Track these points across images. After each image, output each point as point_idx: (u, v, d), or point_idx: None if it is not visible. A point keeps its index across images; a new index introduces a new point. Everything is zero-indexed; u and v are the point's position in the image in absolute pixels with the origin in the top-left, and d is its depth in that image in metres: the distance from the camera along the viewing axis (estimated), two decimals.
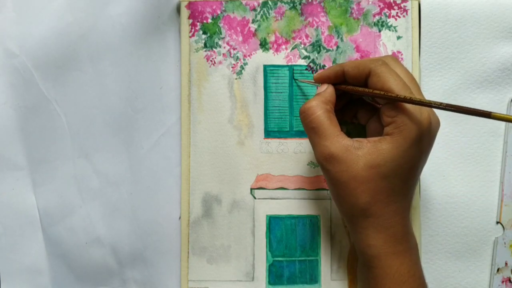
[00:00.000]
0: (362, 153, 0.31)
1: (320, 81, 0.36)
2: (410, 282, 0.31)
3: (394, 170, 0.31)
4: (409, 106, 0.31)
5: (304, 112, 0.33)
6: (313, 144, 0.33)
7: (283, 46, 0.40)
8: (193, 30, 0.40)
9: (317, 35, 0.40)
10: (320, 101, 0.33)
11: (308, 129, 0.33)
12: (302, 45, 0.40)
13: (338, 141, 0.31)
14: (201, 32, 0.40)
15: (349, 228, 0.34)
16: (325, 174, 0.33)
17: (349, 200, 0.31)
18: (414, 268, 0.32)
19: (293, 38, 0.40)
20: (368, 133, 0.37)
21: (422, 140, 0.31)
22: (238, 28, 0.40)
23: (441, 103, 0.29)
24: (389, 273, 0.31)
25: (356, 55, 0.39)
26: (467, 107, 0.28)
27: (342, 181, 0.31)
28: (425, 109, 0.31)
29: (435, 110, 0.32)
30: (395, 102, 0.31)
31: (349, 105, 0.38)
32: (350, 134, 0.39)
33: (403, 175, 0.31)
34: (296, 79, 0.40)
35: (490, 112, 0.27)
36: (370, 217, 0.31)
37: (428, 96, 0.39)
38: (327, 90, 0.34)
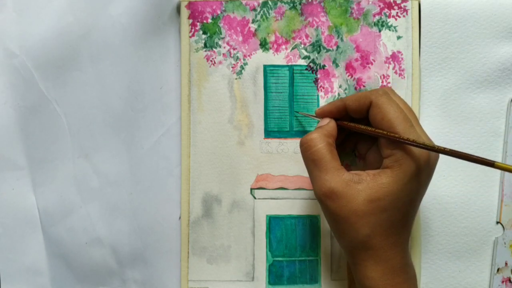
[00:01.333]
0: (362, 187, 0.31)
1: (321, 116, 0.36)
2: None
3: (394, 203, 0.31)
4: (413, 137, 0.30)
5: (306, 143, 0.33)
6: (313, 177, 0.32)
7: (283, 46, 0.40)
8: (193, 30, 0.40)
9: (317, 35, 0.40)
10: (322, 133, 0.33)
11: (308, 162, 0.33)
12: (302, 45, 0.40)
13: (338, 176, 0.31)
14: (201, 32, 0.40)
15: (348, 260, 0.34)
16: (324, 210, 0.32)
17: (349, 234, 0.31)
18: None
19: (293, 38, 0.40)
20: (367, 163, 0.37)
21: (421, 173, 0.31)
22: (238, 28, 0.40)
23: (444, 148, 0.29)
24: None
25: (356, 55, 0.39)
26: (471, 155, 0.28)
27: (342, 216, 0.31)
28: (425, 138, 0.31)
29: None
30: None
31: (349, 137, 0.38)
32: (350, 166, 0.39)
33: (403, 208, 0.31)
34: (297, 111, 0.40)
35: (494, 162, 0.27)
36: (369, 250, 0.31)
37: (428, 96, 0.39)
38: (329, 124, 0.34)
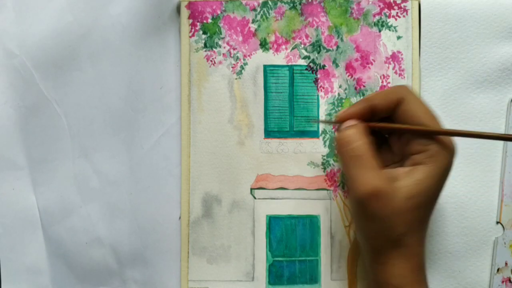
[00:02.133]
0: (400, 185, 0.30)
1: (345, 120, 0.33)
2: None
3: (429, 199, 0.31)
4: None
5: (346, 138, 0.31)
6: (352, 176, 0.30)
7: (283, 46, 0.40)
8: (193, 30, 0.40)
9: (317, 35, 0.40)
10: (362, 129, 0.31)
11: (348, 158, 0.31)
12: (302, 45, 0.40)
13: (380, 174, 0.30)
14: (201, 32, 0.40)
15: (372, 261, 0.32)
16: (363, 210, 0.30)
17: (383, 234, 0.30)
18: None
19: (293, 38, 0.40)
20: None
21: (450, 167, 0.31)
22: (238, 28, 0.40)
23: (483, 133, 0.31)
24: None
25: (356, 55, 0.39)
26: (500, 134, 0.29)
27: (383, 215, 0.30)
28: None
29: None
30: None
31: None
32: None
33: (433, 203, 0.31)
34: (310, 119, 0.39)
35: None
36: (401, 247, 0.30)
37: (428, 96, 0.39)
38: (359, 124, 0.32)
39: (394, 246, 0.31)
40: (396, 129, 0.32)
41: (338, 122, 0.33)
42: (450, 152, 0.31)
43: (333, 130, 0.39)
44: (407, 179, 0.30)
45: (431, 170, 0.30)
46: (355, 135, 0.31)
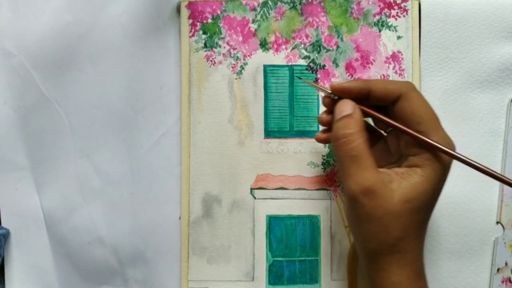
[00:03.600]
0: (395, 187, 0.29)
1: (338, 93, 0.32)
2: None
3: (426, 203, 0.30)
4: (439, 138, 0.30)
5: (344, 137, 0.30)
6: (348, 174, 0.30)
7: (283, 46, 0.40)
8: (193, 30, 0.40)
9: (317, 35, 0.40)
10: (359, 127, 0.30)
11: (346, 157, 0.30)
12: (302, 45, 0.40)
13: (376, 174, 0.29)
14: (201, 32, 0.40)
15: (369, 266, 0.31)
16: (357, 209, 0.30)
17: (378, 237, 0.30)
18: None
19: (293, 38, 0.40)
20: None
21: (447, 171, 0.31)
22: (238, 28, 0.40)
23: (486, 168, 0.29)
24: None
25: (356, 55, 0.39)
26: (504, 177, 0.29)
27: (376, 216, 0.29)
28: (450, 142, 0.30)
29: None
30: (425, 134, 0.30)
31: None
32: None
33: (431, 207, 0.31)
34: (300, 77, 0.39)
35: None
36: (397, 253, 0.30)
37: (428, 96, 0.39)
38: (358, 113, 0.31)
39: (390, 251, 0.30)
40: (390, 125, 0.32)
41: (332, 93, 0.33)
42: (444, 158, 0.30)
43: (320, 95, 0.38)
44: (403, 181, 0.30)
45: (428, 173, 0.30)
46: (355, 135, 0.30)
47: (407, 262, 0.30)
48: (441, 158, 0.30)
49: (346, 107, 0.31)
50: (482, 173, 0.30)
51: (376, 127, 0.36)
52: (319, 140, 0.36)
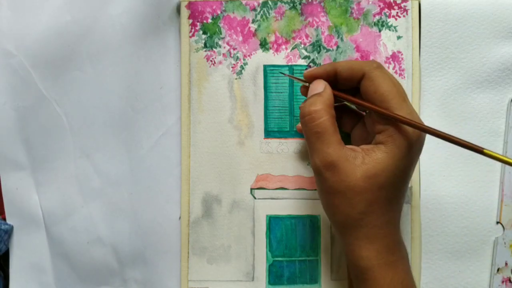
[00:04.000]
0: (359, 163, 0.30)
1: (311, 79, 0.34)
2: None
3: (390, 180, 0.30)
4: (403, 113, 0.30)
5: (309, 114, 0.32)
6: (314, 149, 0.31)
7: (283, 46, 0.40)
8: (193, 30, 0.40)
9: (317, 35, 0.40)
10: (325, 104, 0.32)
11: (312, 133, 0.32)
12: (302, 45, 0.40)
13: (340, 149, 0.31)
14: (201, 32, 0.40)
15: (341, 240, 0.33)
16: (321, 182, 0.31)
17: (343, 210, 0.31)
18: (407, 278, 0.32)
19: (293, 38, 0.40)
20: (352, 140, 0.36)
21: (413, 148, 0.31)
22: (238, 28, 0.40)
23: (438, 132, 0.29)
24: (383, 285, 0.31)
25: (356, 55, 0.39)
26: (461, 140, 0.28)
27: (339, 190, 0.30)
28: (416, 118, 0.31)
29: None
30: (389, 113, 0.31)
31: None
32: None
33: (397, 185, 0.31)
34: (282, 73, 0.39)
35: (483, 149, 0.27)
36: (363, 228, 0.31)
37: (428, 96, 0.39)
38: (327, 92, 0.33)
39: (356, 225, 0.31)
40: (354, 102, 0.33)
41: (303, 81, 0.35)
42: (408, 134, 0.30)
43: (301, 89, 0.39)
44: (367, 157, 0.30)
45: (391, 150, 0.30)
46: (321, 112, 0.31)
47: (375, 237, 0.31)
48: (405, 135, 0.30)
49: (318, 86, 0.33)
50: (444, 140, 0.29)
51: (356, 109, 0.37)
52: (300, 130, 0.38)
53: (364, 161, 0.30)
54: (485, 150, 0.27)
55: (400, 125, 0.30)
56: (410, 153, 0.31)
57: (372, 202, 0.30)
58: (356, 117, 0.36)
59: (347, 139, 0.35)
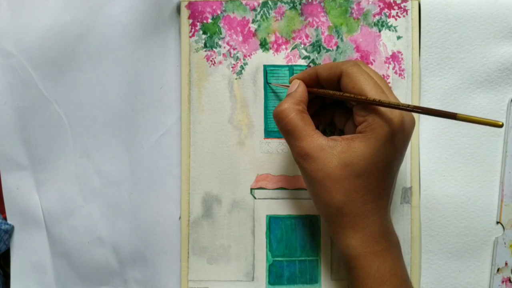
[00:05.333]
0: (336, 152, 0.31)
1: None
2: (392, 281, 0.31)
3: (368, 168, 0.31)
4: (370, 99, 0.31)
5: (277, 115, 0.33)
6: (289, 145, 0.33)
7: (283, 46, 0.40)
8: (193, 30, 0.40)
9: (317, 35, 0.40)
10: (291, 102, 0.33)
11: (283, 132, 0.33)
12: (302, 45, 0.40)
13: (313, 141, 0.32)
14: (201, 32, 0.40)
15: (328, 229, 0.34)
16: (302, 172, 0.33)
17: (324, 198, 0.32)
18: (395, 267, 0.32)
19: (293, 38, 0.40)
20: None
21: (395, 138, 0.31)
22: (238, 28, 0.40)
23: (408, 105, 0.30)
24: (370, 273, 0.31)
25: (356, 55, 0.39)
26: (433, 109, 0.29)
27: (318, 179, 0.31)
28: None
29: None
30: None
31: (325, 110, 0.38)
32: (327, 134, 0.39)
33: (378, 174, 0.31)
34: (270, 83, 0.40)
35: (456, 114, 0.27)
36: (346, 216, 0.32)
37: (428, 96, 0.39)
38: (298, 90, 0.34)
39: (338, 214, 0.32)
40: (329, 96, 0.34)
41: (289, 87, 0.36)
42: (389, 122, 0.31)
43: None
44: (345, 147, 0.31)
45: (368, 139, 0.31)
46: (287, 110, 0.33)
47: (359, 226, 0.32)
48: (385, 124, 0.31)
49: (293, 86, 0.35)
50: (416, 112, 0.29)
51: (346, 103, 0.37)
52: None
53: (342, 149, 0.31)
54: (458, 115, 0.27)
55: (378, 115, 0.31)
56: (392, 143, 0.31)
57: (351, 190, 0.31)
58: (348, 113, 0.36)
59: None
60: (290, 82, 0.36)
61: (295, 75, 0.36)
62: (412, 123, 0.32)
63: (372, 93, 0.31)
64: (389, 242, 0.32)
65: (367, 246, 0.31)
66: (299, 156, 0.32)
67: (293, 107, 0.33)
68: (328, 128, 0.39)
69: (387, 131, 0.31)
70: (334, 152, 0.31)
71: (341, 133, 0.38)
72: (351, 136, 0.32)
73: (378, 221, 0.32)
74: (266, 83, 0.40)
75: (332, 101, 0.37)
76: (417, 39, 0.39)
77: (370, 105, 0.31)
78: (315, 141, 0.32)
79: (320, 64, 0.40)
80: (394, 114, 0.31)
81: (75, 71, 0.41)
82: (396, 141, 0.31)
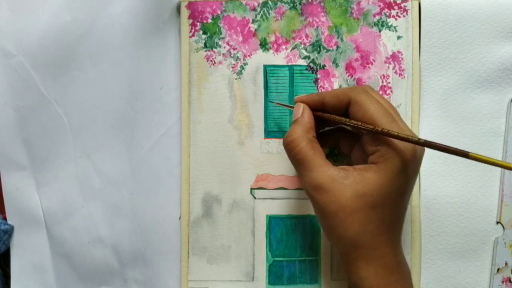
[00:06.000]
0: (349, 183, 0.30)
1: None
2: None
3: (383, 199, 0.30)
4: (385, 129, 0.30)
5: (288, 145, 0.33)
6: (300, 175, 0.32)
7: (283, 46, 0.40)
8: (193, 30, 0.40)
9: (317, 35, 0.40)
10: (301, 131, 0.33)
11: (294, 161, 0.33)
12: (302, 45, 0.40)
13: (324, 171, 0.31)
14: (201, 32, 0.40)
15: (341, 260, 0.33)
16: (314, 205, 0.32)
17: (338, 231, 0.31)
18: None
19: (293, 38, 0.40)
20: (353, 161, 0.36)
21: (408, 167, 0.31)
22: (238, 28, 0.40)
23: (419, 139, 0.29)
24: None
25: (356, 55, 0.39)
26: (444, 146, 0.28)
27: (331, 211, 0.31)
28: (408, 132, 0.31)
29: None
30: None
31: (330, 135, 0.37)
32: (336, 156, 0.40)
33: (392, 204, 0.31)
34: (272, 101, 0.39)
35: (468, 153, 0.27)
36: (360, 248, 0.31)
37: (428, 96, 0.40)
38: (305, 116, 0.34)
39: (352, 246, 0.31)
40: (337, 122, 0.33)
41: (291, 107, 0.36)
42: (402, 153, 0.30)
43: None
44: (357, 177, 0.30)
45: (382, 169, 0.30)
46: (298, 140, 0.32)
47: (373, 258, 0.31)
48: (398, 155, 0.30)
49: (298, 110, 0.34)
50: (429, 148, 0.29)
51: (351, 129, 0.36)
52: None
53: (355, 180, 0.30)
54: (470, 154, 0.27)
55: (391, 145, 0.30)
56: (405, 172, 0.31)
57: (366, 222, 0.30)
58: (354, 138, 0.36)
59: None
60: (295, 102, 0.35)
61: (299, 96, 0.35)
62: (422, 151, 0.32)
63: (383, 122, 0.30)
64: (401, 273, 0.32)
65: (381, 278, 0.31)
66: (311, 187, 0.31)
67: (303, 135, 0.32)
68: (332, 150, 0.39)
69: (401, 162, 0.30)
70: (346, 183, 0.30)
71: (345, 156, 0.38)
72: (363, 166, 0.31)
73: (391, 252, 0.31)
74: (269, 101, 0.39)
75: (338, 126, 0.37)
76: (417, 39, 0.39)
77: (382, 135, 0.30)
78: (326, 171, 0.31)
79: (320, 64, 0.40)
80: (406, 144, 0.30)
81: (75, 71, 0.41)
82: (408, 171, 0.31)
